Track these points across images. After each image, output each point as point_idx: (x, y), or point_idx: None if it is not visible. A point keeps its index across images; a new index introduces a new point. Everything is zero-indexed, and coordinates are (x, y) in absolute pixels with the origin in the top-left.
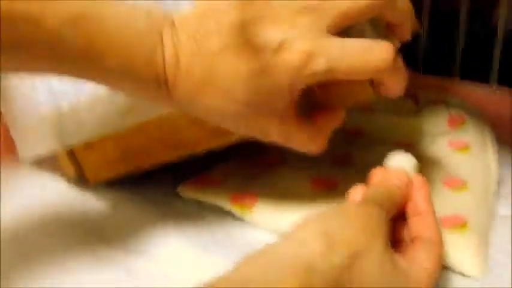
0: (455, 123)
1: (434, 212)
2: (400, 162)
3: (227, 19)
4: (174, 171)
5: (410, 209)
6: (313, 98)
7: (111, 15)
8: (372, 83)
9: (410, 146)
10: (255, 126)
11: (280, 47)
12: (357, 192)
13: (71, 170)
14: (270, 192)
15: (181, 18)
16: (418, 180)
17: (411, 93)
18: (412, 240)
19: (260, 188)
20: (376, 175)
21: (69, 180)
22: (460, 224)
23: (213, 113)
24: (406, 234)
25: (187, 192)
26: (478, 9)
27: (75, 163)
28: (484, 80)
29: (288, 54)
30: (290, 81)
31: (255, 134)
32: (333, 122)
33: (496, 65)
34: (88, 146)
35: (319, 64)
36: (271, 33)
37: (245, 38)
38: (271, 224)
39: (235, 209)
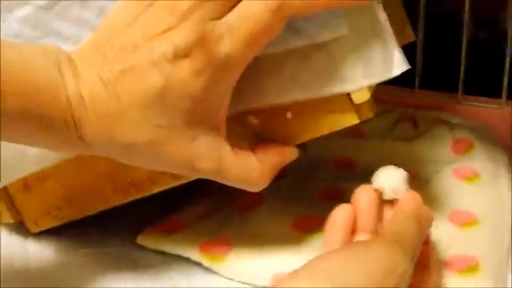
0: (461, 148)
1: (429, 238)
2: (390, 179)
3: (121, 39)
4: (132, 214)
5: None
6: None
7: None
8: (356, 106)
9: (411, 176)
10: (179, 155)
11: (175, 55)
12: (363, 195)
13: (7, 216)
14: (246, 238)
15: (78, 51)
16: (410, 194)
17: (408, 115)
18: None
19: (234, 234)
20: (362, 196)
21: (7, 228)
22: (471, 266)
23: (130, 149)
24: None
25: (148, 240)
26: (483, 11)
27: (13, 208)
28: (492, 95)
29: (187, 59)
30: (201, 84)
31: (180, 166)
32: (281, 157)
33: (506, 77)
34: (26, 186)
35: (224, 45)
36: (163, 44)
37: (143, 54)
38: (247, 277)
39: (205, 259)
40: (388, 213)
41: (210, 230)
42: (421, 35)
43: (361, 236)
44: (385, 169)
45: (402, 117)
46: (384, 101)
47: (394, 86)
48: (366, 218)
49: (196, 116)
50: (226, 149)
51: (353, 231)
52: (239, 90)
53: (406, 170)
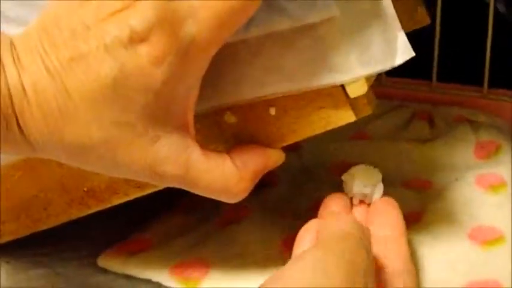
0: (486, 152)
1: (403, 234)
2: (366, 180)
3: (71, 22)
4: (92, 230)
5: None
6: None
7: None
8: (352, 101)
9: (425, 185)
10: (139, 158)
11: (131, 38)
12: (334, 202)
13: None
14: (226, 259)
15: (21, 36)
16: (387, 201)
17: (423, 112)
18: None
19: (212, 254)
20: (332, 201)
21: None
22: None
23: (82, 151)
24: None
25: (111, 262)
26: None
27: None
28: None
29: (145, 43)
30: (163, 74)
31: (141, 172)
32: (263, 161)
33: None
34: None
35: (189, 27)
36: (117, 26)
37: (95, 39)
38: None
39: (178, 283)
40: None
41: (184, 249)
42: (438, 18)
43: None
44: (355, 170)
45: (416, 114)
46: (394, 96)
47: (406, 78)
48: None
49: (158, 112)
50: (195, 151)
51: None
52: (211, 82)
53: (420, 178)
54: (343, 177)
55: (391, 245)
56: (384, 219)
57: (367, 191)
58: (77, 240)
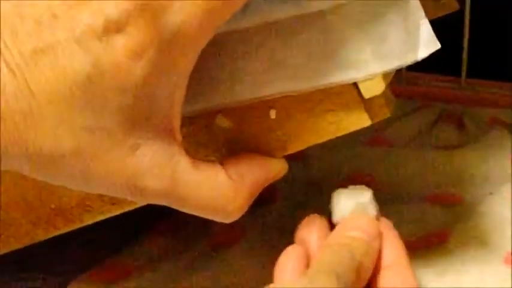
0: None
1: (408, 263)
2: (351, 202)
3: (35, 10)
4: (60, 254)
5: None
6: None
7: None
8: (367, 102)
9: (453, 200)
10: (115, 170)
11: (106, 28)
12: (309, 231)
13: None
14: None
15: None
16: (383, 224)
17: (451, 113)
18: None
19: (202, 282)
20: (308, 233)
21: None
22: None
23: (48, 162)
24: None
25: None
26: None
27: None
28: None
29: (121, 34)
30: (143, 70)
31: (118, 186)
32: (263, 173)
33: None
34: None
35: (174, 15)
36: (90, 14)
37: (63, 29)
38: None
39: None
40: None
41: (169, 277)
42: (468, 3)
43: None
44: (346, 190)
45: (442, 116)
46: (417, 95)
47: (431, 73)
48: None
49: (137, 116)
50: (182, 161)
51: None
52: (200, 80)
53: (447, 192)
54: (329, 206)
55: (393, 279)
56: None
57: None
58: (43, 265)
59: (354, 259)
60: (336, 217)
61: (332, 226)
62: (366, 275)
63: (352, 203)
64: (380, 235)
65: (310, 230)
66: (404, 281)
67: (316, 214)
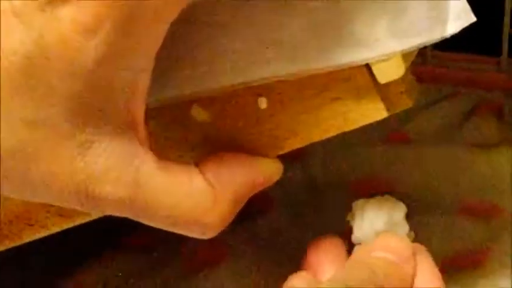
0: None
1: None
2: (381, 219)
3: None
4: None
5: None
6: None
7: None
8: (383, 88)
9: (492, 211)
10: (63, 174)
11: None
12: (320, 256)
13: None
14: None
15: None
16: (416, 248)
17: (490, 102)
18: None
19: None
20: (326, 250)
21: None
22: None
23: None
24: None
25: None
26: None
27: None
28: None
29: (69, 4)
30: (96, 49)
31: (66, 194)
32: (251, 176)
33: None
34: None
35: None
36: None
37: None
38: None
39: None
40: None
41: None
42: None
43: None
44: (365, 207)
45: (478, 107)
46: (447, 79)
47: (464, 53)
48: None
49: (90, 106)
50: (147, 162)
51: None
52: (170, 63)
53: (484, 201)
54: (347, 218)
55: None
56: None
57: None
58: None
59: (375, 277)
60: (359, 236)
61: (350, 246)
62: None
63: (382, 220)
64: (414, 258)
65: (323, 255)
66: None
67: (331, 235)
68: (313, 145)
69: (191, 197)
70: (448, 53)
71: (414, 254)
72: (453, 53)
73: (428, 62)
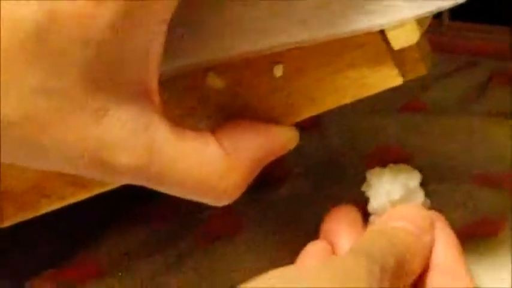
0: None
1: (463, 262)
2: (396, 187)
3: None
4: (17, 251)
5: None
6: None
7: None
8: (397, 55)
9: (507, 181)
10: (77, 142)
11: None
12: (337, 225)
13: None
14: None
15: None
16: (435, 217)
17: (506, 72)
18: None
19: (191, 284)
20: (343, 219)
21: None
22: None
23: None
24: None
25: None
26: None
27: None
28: None
29: None
30: (109, 15)
31: (80, 162)
32: (266, 144)
33: None
34: None
35: None
36: None
37: None
38: None
39: None
40: None
41: (149, 277)
42: None
43: None
44: (380, 176)
45: (495, 76)
46: (462, 48)
47: (480, 22)
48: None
49: (103, 74)
50: (161, 129)
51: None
52: (184, 29)
53: (500, 171)
54: (362, 188)
55: (444, 280)
56: None
57: (396, 204)
58: None
59: (394, 246)
60: (375, 205)
61: (367, 216)
62: (412, 270)
63: (398, 189)
64: (432, 228)
65: (339, 224)
66: (457, 283)
67: (347, 204)
68: (329, 114)
69: (206, 163)
70: (464, 23)
71: (432, 223)
72: (469, 23)
73: (445, 32)
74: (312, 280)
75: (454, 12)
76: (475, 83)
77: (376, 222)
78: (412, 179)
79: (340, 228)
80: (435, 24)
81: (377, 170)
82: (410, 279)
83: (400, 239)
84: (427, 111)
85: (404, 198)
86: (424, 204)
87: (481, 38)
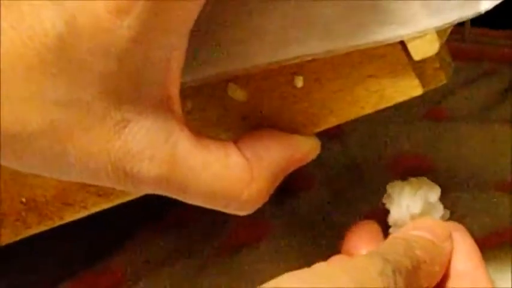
0: None
1: (484, 271)
2: (416, 202)
3: None
4: (41, 259)
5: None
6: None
7: None
8: (418, 65)
9: None
10: (99, 153)
11: None
12: (358, 241)
13: None
14: None
15: None
16: (452, 225)
17: None
18: None
19: None
20: (363, 235)
21: None
22: None
23: (16, 144)
24: None
25: None
26: None
27: None
28: None
29: None
30: (130, 28)
31: (103, 173)
32: (287, 153)
33: None
34: None
35: None
36: None
37: None
38: None
39: None
40: None
41: (171, 286)
42: None
43: None
44: (401, 190)
45: None
46: (483, 56)
47: (501, 30)
48: None
49: (125, 85)
50: (182, 139)
51: None
52: (205, 40)
53: None
54: (383, 200)
55: (465, 282)
56: None
57: (416, 217)
58: (21, 266)
59: (411, 249)
60: (395, 218)
61: (386, 225)
62: (432, 274)
63: (418, 203)
64: (450, 238)
65: (360, 241)
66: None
67: (368, 220)
68: (351, 123)
69: (228, 173)
70: (486, 30)
71: (451, 235)
72: (491, 30)
73: (467, 39)
74: (325, 280)
75: (475, 19)
76: (496, 90)
77: (396, 232)
78: (432, 194)
79: (361, 243)
80: (457, 32)
81: (398, 183)
82: (430, 284)
83: (418, 243)
84: (449, 118)
85: (424, 212)
86: (443, 217)
87: (502, 44)
